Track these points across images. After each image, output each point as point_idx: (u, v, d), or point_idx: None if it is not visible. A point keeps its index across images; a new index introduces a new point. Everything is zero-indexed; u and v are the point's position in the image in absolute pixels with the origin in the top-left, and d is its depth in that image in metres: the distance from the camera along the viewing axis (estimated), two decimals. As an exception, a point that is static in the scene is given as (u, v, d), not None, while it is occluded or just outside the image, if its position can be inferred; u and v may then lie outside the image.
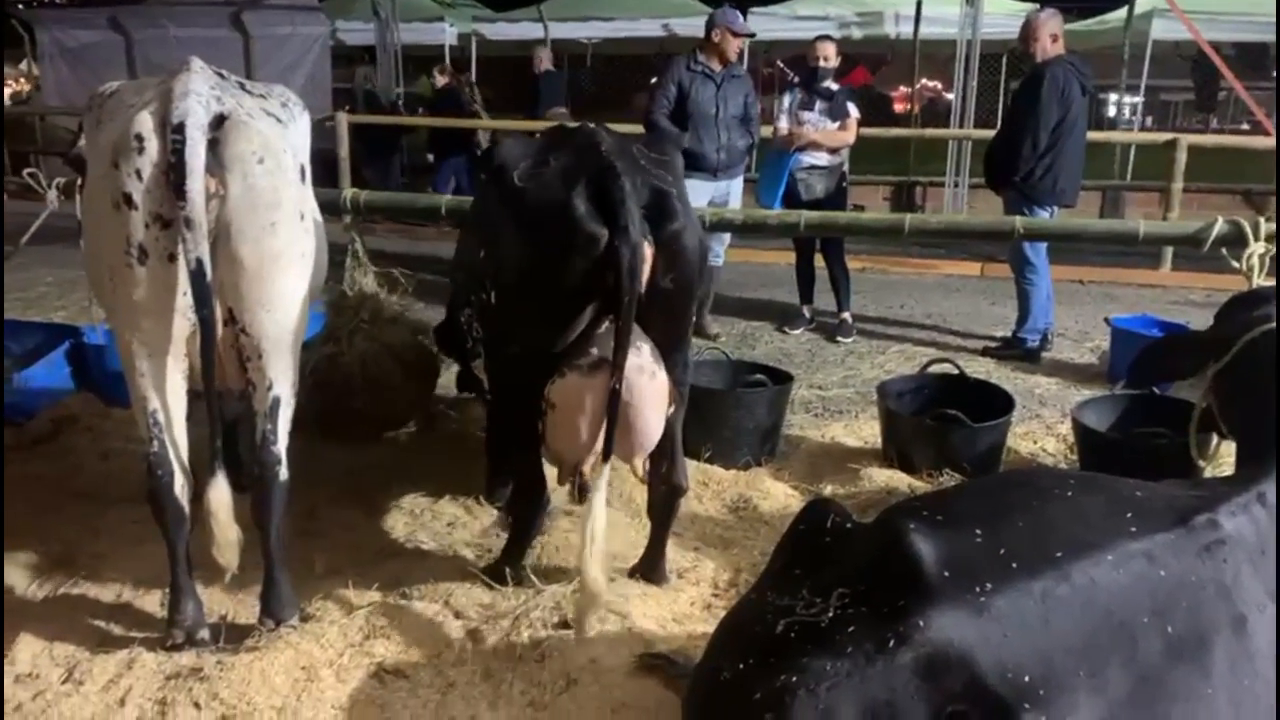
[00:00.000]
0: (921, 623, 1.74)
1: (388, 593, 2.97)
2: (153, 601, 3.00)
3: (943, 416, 3.65)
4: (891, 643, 1.73)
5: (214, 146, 2.38)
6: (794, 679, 1.75)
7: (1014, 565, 1.82)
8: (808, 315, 6.37)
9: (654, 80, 6.48)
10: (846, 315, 6.21)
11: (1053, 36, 5.21)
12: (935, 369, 4.17)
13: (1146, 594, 1.80)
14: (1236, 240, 3.36)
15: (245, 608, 2.97)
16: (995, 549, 1.86)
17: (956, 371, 4.13)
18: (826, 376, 5.37)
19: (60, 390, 4.70)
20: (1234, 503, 1.98)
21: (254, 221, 2.45)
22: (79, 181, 4.47)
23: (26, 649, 2.71)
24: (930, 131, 11.21)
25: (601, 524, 2.49)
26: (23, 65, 15.45)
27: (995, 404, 3.88)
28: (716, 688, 1.86)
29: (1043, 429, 4.42)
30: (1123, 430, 3.76)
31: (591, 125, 2.75)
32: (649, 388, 2.57)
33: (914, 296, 7.49)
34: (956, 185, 11.42)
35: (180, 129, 2.30)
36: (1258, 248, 3.27)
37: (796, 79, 6.12)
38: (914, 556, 1.84)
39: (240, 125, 2.43)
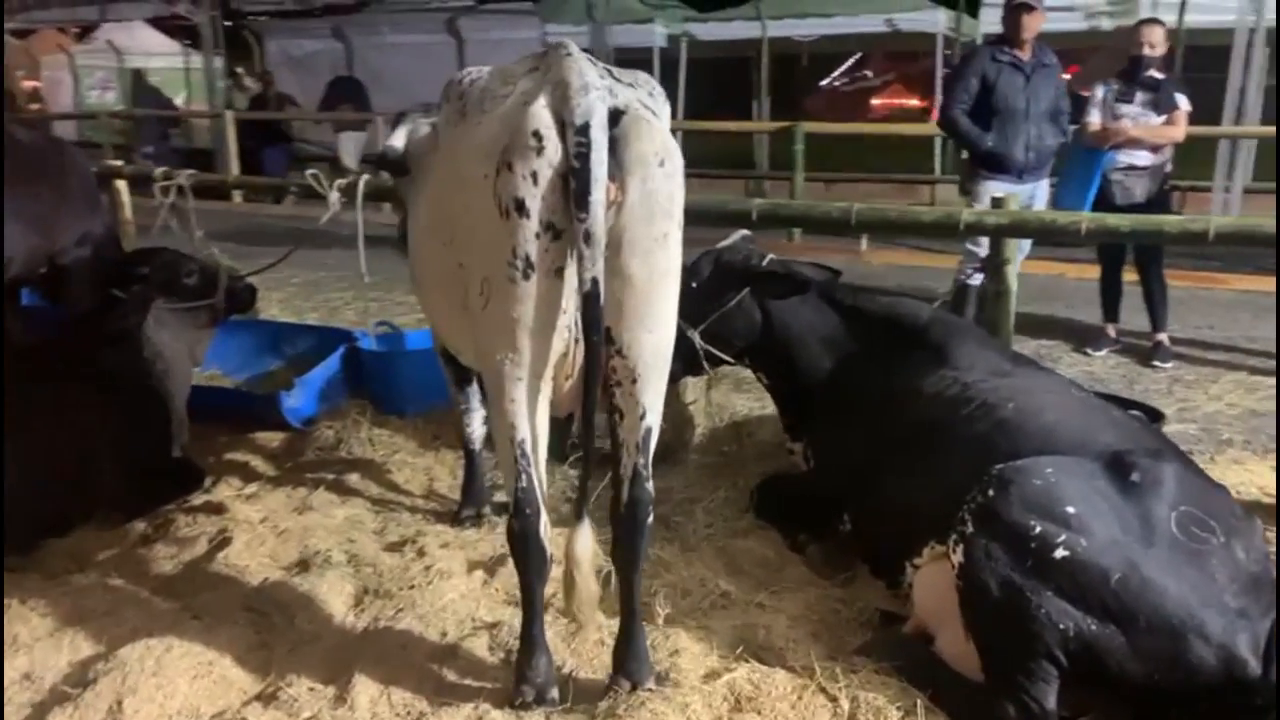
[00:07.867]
0: None
1: (740, 653, 2.60)
2: (480, 645, 2.74)
3: None
4: None
5: (612, 146, 2.05)
6: None
7: None
8: (1113, 335, 5.63)
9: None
10: (1163, 337, 5.42)
11: None
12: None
13: None
14: None
15: (580, 659, 2.68)
16: None
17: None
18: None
19: (336, 396, 4.63)
20: None
21: (649, 233, 2.12)
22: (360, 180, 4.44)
23: (364, 691, 2.50)
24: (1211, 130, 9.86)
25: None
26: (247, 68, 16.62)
27: None
28: None
29: None
30: None
31: None
32: None
33: (1215, 315, 6.58)
34: (1228, 190, 10.25)
35: (584, 130, 1.98)
36: None
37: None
38: None
39: (641, 122, 2.10)
